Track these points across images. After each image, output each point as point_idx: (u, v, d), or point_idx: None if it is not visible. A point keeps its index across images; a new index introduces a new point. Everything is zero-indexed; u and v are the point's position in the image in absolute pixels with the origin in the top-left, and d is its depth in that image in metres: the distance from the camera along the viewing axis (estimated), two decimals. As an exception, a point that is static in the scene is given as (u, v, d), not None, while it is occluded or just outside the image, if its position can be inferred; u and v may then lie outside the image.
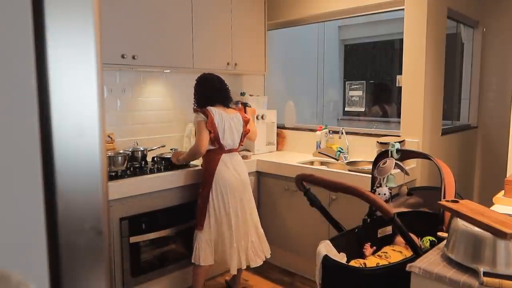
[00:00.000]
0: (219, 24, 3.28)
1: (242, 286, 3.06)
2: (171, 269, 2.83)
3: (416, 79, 2.99)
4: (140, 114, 3.18)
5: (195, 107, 2.70)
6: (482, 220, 1.27)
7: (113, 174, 2.61)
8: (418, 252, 1.56)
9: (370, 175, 2.19)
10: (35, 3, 0.45)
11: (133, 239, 2.57)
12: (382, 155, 2.15)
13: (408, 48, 3.01)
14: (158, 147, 3.13)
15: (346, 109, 4.39)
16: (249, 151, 3.60)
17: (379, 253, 1.87)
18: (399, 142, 2.45)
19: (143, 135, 3.18)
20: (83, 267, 0.51)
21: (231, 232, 2.62)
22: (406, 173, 2.16)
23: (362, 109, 4.09)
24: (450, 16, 3.28)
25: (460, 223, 1.34)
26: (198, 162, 2.91)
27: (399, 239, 1.94)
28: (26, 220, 0.46)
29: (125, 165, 2.69)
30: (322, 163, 3.42)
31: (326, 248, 1.69)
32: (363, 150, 3.32)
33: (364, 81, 4.06)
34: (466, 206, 1.42)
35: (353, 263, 1.76)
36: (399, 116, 3.16)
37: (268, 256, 2.86)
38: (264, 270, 3.31)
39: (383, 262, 1.77)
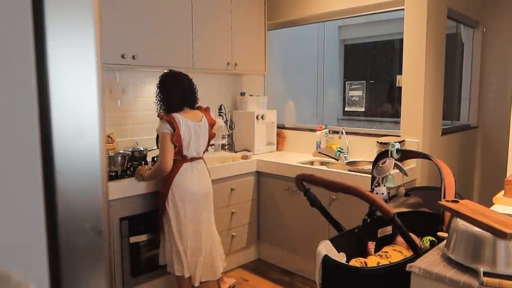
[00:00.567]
0: (219, 24, 3.28)
1: (241, 286, 3.06)
2: (171, 269, 2.83)
3: (416, 79, 2.99)
4: (140, 114, 3.18)
5: (161, 112, 2.51)
6: (482, 220, 1.27)
7: (113, 174, 2.61)
8: (418, 252, 1.56)
9: (370, 175, 2.19)
10: (35, 3, 0.45)
11: (133, 239, 2.57)
12: (382, 155, 2.15)
13: (408, 48, 3.01)
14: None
15: (346, 109, 4.39)
16: (249, 151, 3.60)
17: (379, 252, 1.87)
18: (399, 142, 2.45)
19: (143, 135, 3.18)
20: (83, 267, 0.51)
21: (189, 243, 2.51)
22: (405, 174, 2.16)
23: (362, 109, 4.09)
24: (450, 16, 3.28)
25: (460, 223, 1.34)
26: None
27: (399, 239, 1.93)
28: (26, 220, 0.46)
29: (125, 165, 2.69)
30: (322, 163, 3.42)
31: (326, 248, 1.69)
32: (363, 150, 3.32)
33: (364, 81, 4.06)
34: (466, 206, 1.42)
35: (354, 262, 1.76)
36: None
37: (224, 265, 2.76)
38: (264, 270, 3.31)
39: (384, 261, 1.77)
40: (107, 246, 0.53)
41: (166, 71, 2.62)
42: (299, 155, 3.64)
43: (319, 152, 3.47)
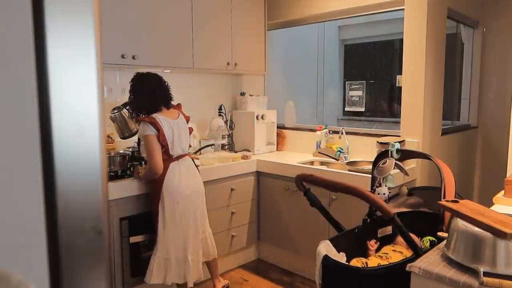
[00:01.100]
0: (219, 24, 3.28)
1: (242, 286, 3.06)
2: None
3: (416, 79, 2.99)
4: (140, 114, 3.17)
5: (140, 116, 2.47)
6: (482, 220, 1.27)
7: (113, 174, 2.61)
8: (418, 252, 1.56)
9: (370, 175, 2.19)
10: (35, 3, 0.45)
11: (133, 239, 2.57)
12: (382, 155, 2.15)
13: (408, 48, 3.01)
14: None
15: (346, 109, 4.39)
16: (249, 151, 3.60)
17: (379, 253, 1.87)
18: (399, 142, 2.45)
19: (143, 135, 3.17)
20: (83, 267, 0.51)
21: (187, 242, 2.49)
22: (406, 174, 2.16)
23: (362, 109, 4.10)
24: (450, 16, 3.28)
25: (460, 223, 1.34)
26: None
27: (399, 239, 1.94)
28: (26, 220, 0.46)
29: (125, 165, 2.69)
30: (322, 163, 3.42)
31: (326, 248, 1.69)
32: (363, 150, 3.32)
33: (364, 81, 4.06)
34: (466, 206, 1.42)
35: (355, 261, 1.76)
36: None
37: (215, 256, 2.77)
38: (264, 270, 3.31)
39: (384, 263, 1.77)
40: (107, 246, 0.53)
41: (135, 73, 2.58)
42: (299, 155, 3.64)
43: (319, 152, 3.47)
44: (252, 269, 3.33)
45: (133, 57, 2.72)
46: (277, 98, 4.14)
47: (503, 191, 2.07)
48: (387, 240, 1.97)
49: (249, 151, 3.60)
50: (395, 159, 2.08)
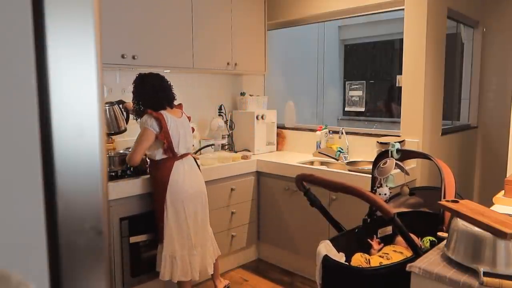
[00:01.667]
0: (219, 24, 3.28)
1: (242, 286, 3.06)
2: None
3: (416, 79, 2.99)
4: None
5: (150, 110, 2.45)
6: (482, 220, 1.27)
7: (113, 174, 2.61)
8: (418, 252, 1.56)
9: (370, 175, 2.19)
10: (35, 3, 0.45)
11: (133, 239, 2.57)
12: (382, 155, 2.15)
13: (408, 48, 3.01)
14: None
15: (346, 109, 4.39)
16: (249, 151, 3.60)
17: (380, 253, 1.87)
18: (399, 142, 2.45)
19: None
20: (83, 267, 0.51)
21: (191, 241, 2.50)
22: (407, 173, 2.16)
23: (362, 109, 4.09)
24: (450, 16, 3.28)
25: (460, 223, 1.34)
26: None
27: (399, 239, 1.94)
28: (26, 220, 0.46)
29: (125, 165, 2.69)
30: (322, 163, 3.42)
31: (326, 248, 1.69)
32: (363, 150, 3.32)
33: (364, 81, 4.06)
34: (466, 206, 1.42)
35: (358, 256, 1.76)
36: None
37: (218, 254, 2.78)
38: (264, 270, 3.31)
39: (385, 263, 1.77)
40: (107, 246, 0.53)
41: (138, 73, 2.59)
42: (299, 155, 3.64)
43: (319, 152, 3.47)
44: (252, 269, 3.33)
45: (133, 57, 2.72)
46: (277, 98, 4.14)
47: (503, 191, 2.07)
48: (387, 240, 1.97)
49: (249, 151, 3.60)
50: (395, 159, 2.08)
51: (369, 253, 1.87)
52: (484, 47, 3.87)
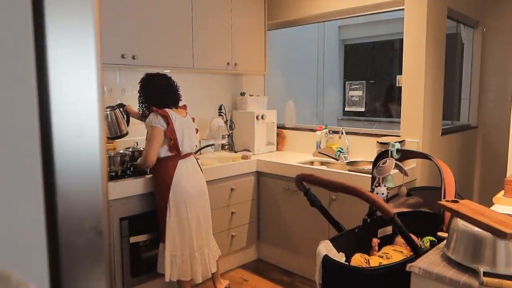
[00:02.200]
0: (219, 24, 3.28)
1: (242, 286, 3.06)
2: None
3: (416, 79, 2.99)
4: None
5: (155, 108, 2.47)
6: (482, 220, 1.27)
7: (113, 174, 2.61)
8: (418, 252, 1.56)
9: (370, 175, 2.19)
10: (35, 3, 0.45)
11: (133, 239, 2.57)
12: (382, 155, 2.15)
13: (408, 48, 3.01)
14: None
15: (346, 109, 4.39)
16: (249, 151, 3.60)
17: (380, 253, 1.87)
18: (399, 142, 2.45)
19: (143, 135, 3.17)
20: (83, 267, 0.51)
21: (192, 241, 2.50)
22: (405, 174, 2.16)
23: (362, 109, 4.09)
24: (450, 16, 3.28)
25: (460, 223, 1.34)
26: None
27: (398, 239, 1.94)
28: (26, 220, 0.46)
29: (125, 165, 2.69)
30: (322, 163, 3.42)
31: (326, 248, 1.69)
32: (363, 150, 3.32)
33: (364, 81, 4.06)
34: (466, 206, 1.42)
35: (358, 256, 1.76)
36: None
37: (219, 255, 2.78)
38: (264, 270, 3.31)
39: (385, 262, 1.77)
40: (107, 246, 0.53)
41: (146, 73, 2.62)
42: (299, 155, 3.64)
43: (319, 152, 3.47)
44: (252, 269, 3.33)
45: (133, 57, 2.72)
46: (277, 98, 4.14)
47: (503, 191, 2.07)
48: (387, 240, 1.97)
49: (249, 151, 3.60)
50: (395, 159, 2.08)
51: (369, 254, 1.87)
52: (484, 47, 3.87)
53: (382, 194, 2.04)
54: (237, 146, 3.73)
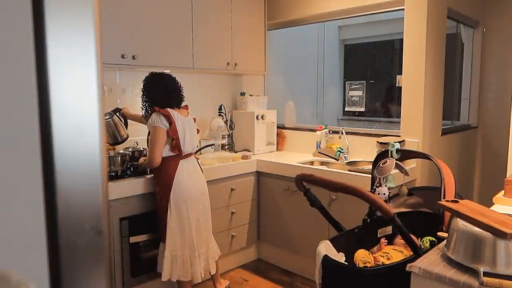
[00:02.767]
0: (219, 24, 3.28)
1: (242, 286, 3.06)
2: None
3: (416, 79, 2.99)
4: (140, 114, 3.17)
5: (157, 108, 2.47)
6: (482, 220, 1.27)
7: (113, 174, 2.61)
8: (418, 252, 1.56)
9: (370, 175, 2.19)
10: (35, 3, 0.45)
11: (133, 239, 2.57)
12: (382, 155, 2.15)
13: (408, 48, 3.01)
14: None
15: (346, 109, 4.39)
16: (249, 151, 3.60)
17: (380, 253, 1.87)
18: (399, 142, 2.45)
19: (142, 135, 3.17)
20: (83, 267, 0.51)
21: (193, 242, 2.50)
22: (406, 173, 2.16)
23: (362, 109, 4.09)
24: (450, 16, 3.28)
25: (460, 223, 1.34)
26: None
27: (397, 240, 1.94)
28: (26, 220, 0.46)
29: (125, 165, 2.69)
30: (322, 163, 3.42)
31: (326, 248, 1.69)
32: (363, 150, 3.32)
33: (364, 81, 4.06)
34: (466, 206, 1.42)
35: (362, 252, 1.77)
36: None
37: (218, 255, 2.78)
38: (264, 270, 3.31)
39: (385, 262, 1.77)
40: (107, 246, 0.53)
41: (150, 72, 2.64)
42: (299, 155, 3.64)
43: (319, 152, 3.47)
44: (252, 269, 3.33)
45: (133, 57, 2.72)
46: (277, 98, 4.14)
47: (503, 191, 2.07)
48: (387, 240, 1.97)
49: (249, 151, 3.60)
50: (395, 159, 2.08)
51: (375, 252, 1.88)
52: (484, 47, 3.87)
53: (384, 194, 2.04)
54: (237, 146, 3.73)
